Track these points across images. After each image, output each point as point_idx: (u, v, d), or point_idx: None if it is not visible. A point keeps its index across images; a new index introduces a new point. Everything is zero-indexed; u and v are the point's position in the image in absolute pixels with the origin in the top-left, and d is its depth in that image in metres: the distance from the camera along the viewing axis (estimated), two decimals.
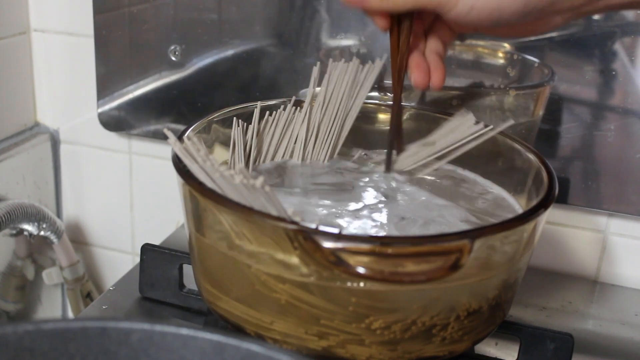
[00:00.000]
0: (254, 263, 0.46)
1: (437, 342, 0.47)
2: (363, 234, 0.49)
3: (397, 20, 0.55)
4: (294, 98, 0.62)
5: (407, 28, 0.56)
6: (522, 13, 0.50)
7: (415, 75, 0.57)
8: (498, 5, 0.50)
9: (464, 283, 0.46)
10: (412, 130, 0.64)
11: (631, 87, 0.66)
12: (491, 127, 0.57)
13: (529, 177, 0.55)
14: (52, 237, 0.84)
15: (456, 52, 0.70)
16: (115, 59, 0.81)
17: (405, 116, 0.63)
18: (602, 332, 0.66)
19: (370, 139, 0.64)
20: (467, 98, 0.70)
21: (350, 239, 0.43)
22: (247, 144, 0.59)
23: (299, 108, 0.62)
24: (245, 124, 0.59)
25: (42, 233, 0.82)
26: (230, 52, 0.76)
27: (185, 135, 0.54)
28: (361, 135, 0.64)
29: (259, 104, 0.61)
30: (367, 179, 0.59)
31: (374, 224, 0.52)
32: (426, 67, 0.57)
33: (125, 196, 0.89)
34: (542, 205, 0.48)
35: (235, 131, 0.58)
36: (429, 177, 0.60)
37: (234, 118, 0.58)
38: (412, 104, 0.66)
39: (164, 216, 0.87)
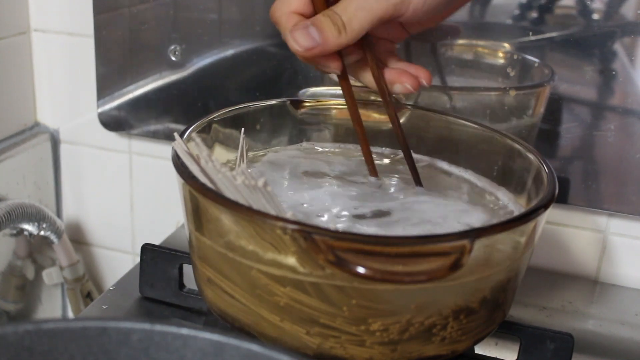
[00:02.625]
0: (254, 263, 0.46)
1: (437, 342, 0.47)
2: (363, 233, 0.49)
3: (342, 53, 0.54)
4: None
5: (369, 53, 0.55)
6: None
7: (401, 87, 0.56)
8: None
9: (464, 283, 0.46)
10: (411, 130, 0.64)
11: (631, 87, 0.66)
12: None
13: (529, 177, 0.55)
14: (52, 237, 0.84)
15: (456, 52, 0.70)
16: (115, 59, 0.81)
17: (404, 117, 0.63)
18: (602, 332, 0.66)
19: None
20: (467, 98, 0.70)
21: (351, 239, 0.42)
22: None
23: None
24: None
25: (42, 233, 0.82)
26: (230, 52, 0.76)
27: (186, 135, 0.54)
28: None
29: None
30: (370, 179, 0.59)
31: (374, 223, 0.52)
32: (405, 73, 0.56)
33: (125, 196, 0.89)
34: (542, 205, 0.48)
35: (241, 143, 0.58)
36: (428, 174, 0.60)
37: (242, 131, 0.59)
38: (411, 103, 0.66)
39: (164, 216, 0.87)
